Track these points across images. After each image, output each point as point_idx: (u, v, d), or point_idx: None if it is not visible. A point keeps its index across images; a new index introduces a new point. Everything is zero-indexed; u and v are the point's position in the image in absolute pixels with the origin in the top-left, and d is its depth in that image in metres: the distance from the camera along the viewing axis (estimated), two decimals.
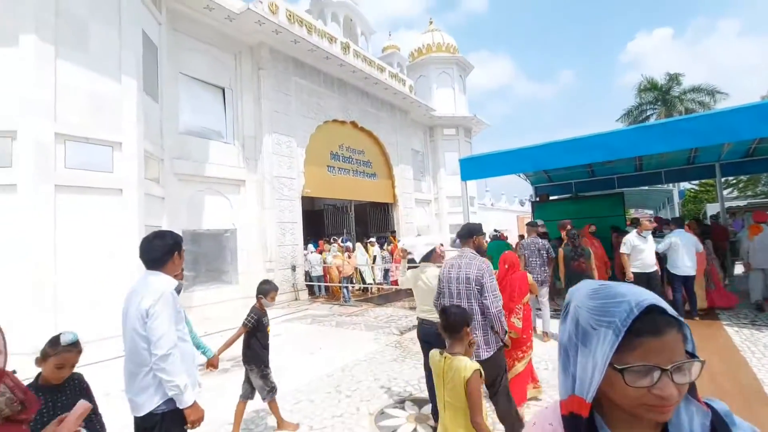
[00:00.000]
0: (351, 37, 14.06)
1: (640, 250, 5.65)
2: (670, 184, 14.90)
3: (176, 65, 8.56)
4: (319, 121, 11.73)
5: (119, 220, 6.06)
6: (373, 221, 15.90)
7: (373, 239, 12.31)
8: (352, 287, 10.32)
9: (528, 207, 18.04)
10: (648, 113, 22.68)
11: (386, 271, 11.65)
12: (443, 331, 2.10)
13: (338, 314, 8.00)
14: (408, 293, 10.10)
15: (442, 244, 3.37)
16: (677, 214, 14.37)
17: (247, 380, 3.14)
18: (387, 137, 14.95)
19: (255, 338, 3.07)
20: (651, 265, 5.67)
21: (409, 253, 3.41)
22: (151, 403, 1.84)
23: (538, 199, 11.05)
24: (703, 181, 20.41)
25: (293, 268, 10.30)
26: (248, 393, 3.13)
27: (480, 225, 3.09)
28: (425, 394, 3.54)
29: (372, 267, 11.30)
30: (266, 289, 3.13)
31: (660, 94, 22.05)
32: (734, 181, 20.73)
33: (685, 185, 22.03)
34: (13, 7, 5.37)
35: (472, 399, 1.90)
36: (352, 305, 9.11)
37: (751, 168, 11.28)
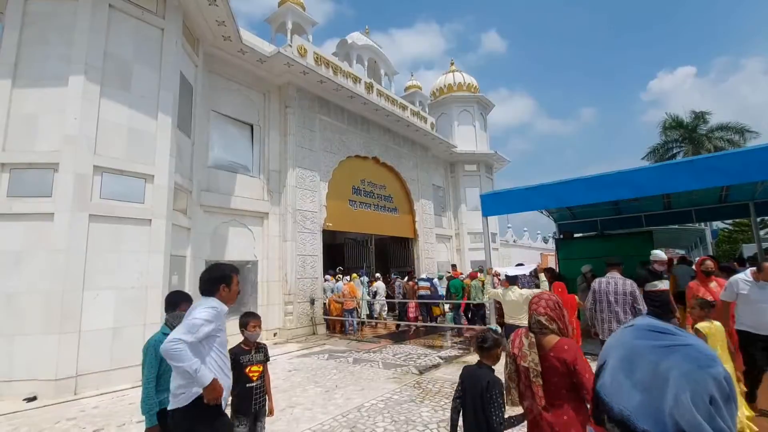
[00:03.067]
0: (375, 77, 14.68)
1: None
2: (702, 224, 14.30)
3: (209, 103, 9.09)
4: (342, 157, 12.05)
5: (147, 249, 6.25)
6: (393, 256, 15.81)
7: (378, 274, 12.04)
8: (357, 320, 10.08)
9: (552, 244, 17.62)
10: (674, 151, 22.22)
11: (403, 306, 11.39)
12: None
13: (356, 350, 7.81)
14: (426, 332, 9.80)
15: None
16: (711, 254, 13.68)
17: None
18: (408, 173, 15.15)
19: (236, 383, 2.57)
20: None
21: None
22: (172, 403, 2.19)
23: (561, 236, 10.78)
24: (737, 220, 19.52)
25: (312, 302, 10.23)
26: None
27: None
28: None
29: (372, 302, 11.13)
30: (244, 321, 2.85)
31: (686, 132, 21.67)
32: None
33: (718, 224, 21.10)
34: (66, 52, 5.90)
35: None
36: (369, 341, 8.88)
37: None
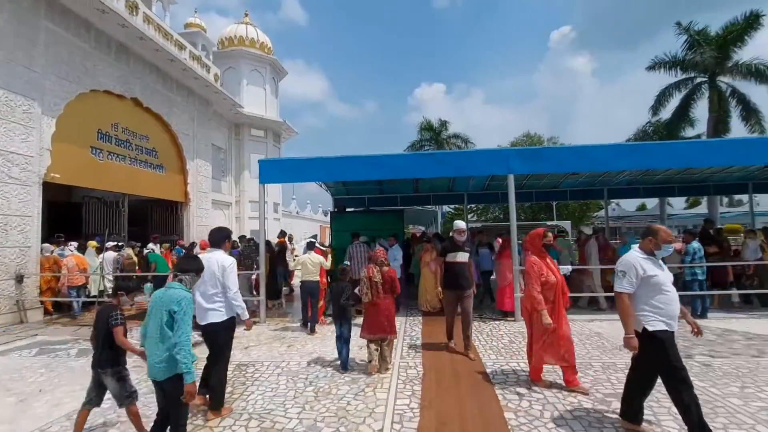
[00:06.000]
0: None
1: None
2: (436, 206, 18.56)
3: None
4: (83, 88, 9.14)
5: None
6: (156, 221, 13.40)
7: (111, 243, 9.03)
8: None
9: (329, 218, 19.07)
10: (426, 148, 27.84)
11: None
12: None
13: (85, 339, 6.07)
14: None
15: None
16: (439, 231, 17.96)
17: (97, 385, 2.85)
18: (182, 126, 13.04)
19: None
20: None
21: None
22: (217, 316, 3.30)
23: (336, 209, 11.76)
24: (457, 206, 26.37)
25: (19, 279, 7.50)
26: (94, 398, 2.86)
27: None
28: None
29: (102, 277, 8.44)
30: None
31: (434, 134, 27.49)
32: (475, 208, 27.79)
33: (445, 208, 28.00)
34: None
35: None
36: None
37: (486, 199, 15.32)
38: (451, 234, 4.99)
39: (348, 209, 12.10)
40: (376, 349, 4.22)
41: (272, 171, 6.83)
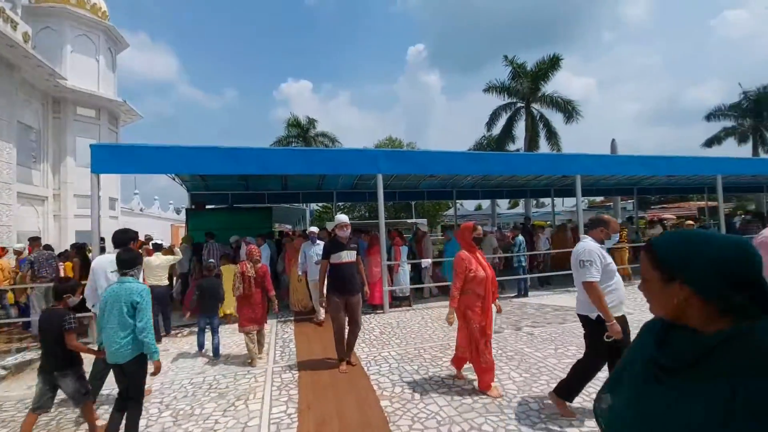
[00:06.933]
0: None
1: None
2: (305, 204, 18.28)
3: None
4: None
5: None
6: None
7: None
8: None
9: (184, 216, 16.81)
10: (294, 145, 27.14)
11: None
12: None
13: None
14: None
15: None
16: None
17: (51, 389, 2.85)
18: None
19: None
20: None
21: None
22: None
23: (193, 206, 10.46)
24: (326, 204, 26.52)
25: None
26: (45, 402, 2.85)
27: None
28: None
29: None
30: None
31: (302, 131, 27.00)
32: (343, 206, 28.43)
33: (314, 206, 27.86)
34: None
35: None
36: None
37: (354, 197, 15.80)
38: (332, 231, 4.44)
39: (209, 206, 10.94)
40: (252, 339, 4.52)
41: (109, 158, 5.60)
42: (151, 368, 2.77)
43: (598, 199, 27.04)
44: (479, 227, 3.59)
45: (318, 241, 6.23)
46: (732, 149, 22.47)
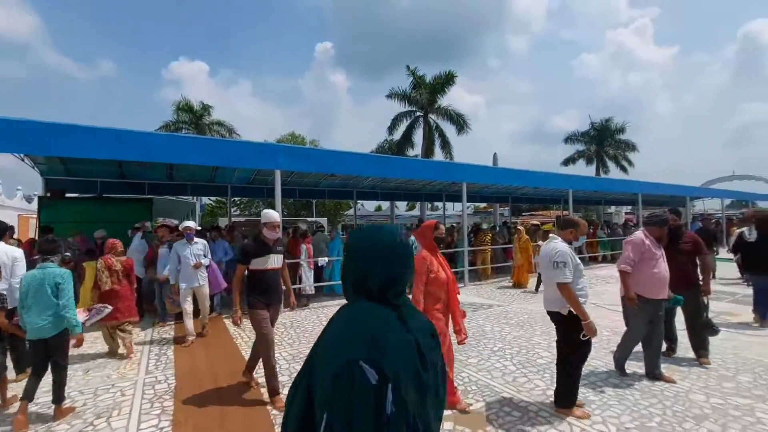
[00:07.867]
0: None
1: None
2: (195, 197, 16.68)
3: None
4: None
5: None
6: None
7: None
8: None
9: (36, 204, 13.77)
10: (184, 131, 24.46)
11: None
12: None
13: None
14: None
15: None
16: (198, 225, 16.23)
17: None
18: None
19: None
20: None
21: None
22: None
23: (48, 194, 8.75)
24: (219, 198, 24.53)
25: None
26: None
27: None
28: None
29: None
30: None
31: (194, 117, 24.50)
32: (239, 201, 26.67)
33: (205, 200, 25.56)
34: None
35: None
36: None
37: (251, 192, 14.93)
38: (260, 231, 3.52)
39: (69, 195, 9.27)
40: (113, 337, 4.50)
41: None
42: (73, 341, 3.20)
43: (482, 205, 30.22)
44: (441, 226, 3.24)
45: (195, 240, 5.28)
46: (582, 169, 27.42)
